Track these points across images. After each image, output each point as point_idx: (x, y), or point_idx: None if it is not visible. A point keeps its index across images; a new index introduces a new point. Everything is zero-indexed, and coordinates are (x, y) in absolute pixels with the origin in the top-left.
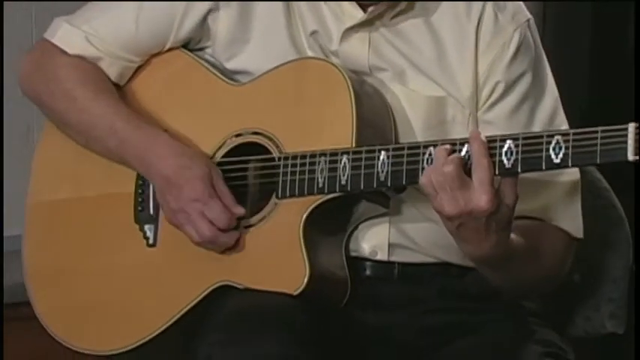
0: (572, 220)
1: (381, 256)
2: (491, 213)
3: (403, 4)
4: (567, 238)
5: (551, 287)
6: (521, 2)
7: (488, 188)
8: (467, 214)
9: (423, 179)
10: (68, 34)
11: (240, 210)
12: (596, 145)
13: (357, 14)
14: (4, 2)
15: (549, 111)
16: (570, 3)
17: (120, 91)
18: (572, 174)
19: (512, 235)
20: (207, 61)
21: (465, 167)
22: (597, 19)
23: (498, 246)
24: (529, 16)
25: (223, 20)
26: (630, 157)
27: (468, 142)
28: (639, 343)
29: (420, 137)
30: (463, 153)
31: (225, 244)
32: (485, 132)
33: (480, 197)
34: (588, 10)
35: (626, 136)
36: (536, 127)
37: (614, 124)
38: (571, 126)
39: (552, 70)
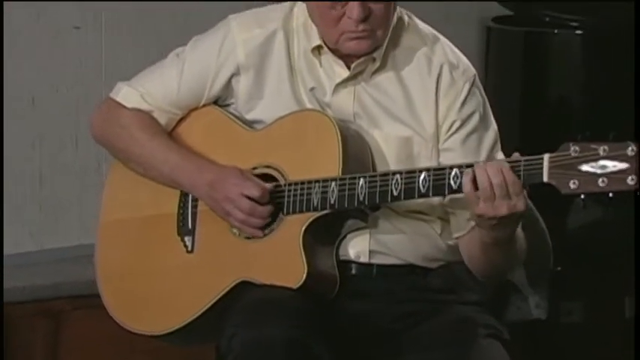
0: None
1: (364, 259)
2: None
3: (378, 62)
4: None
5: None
6: (468, 62)
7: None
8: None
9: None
10: (128, 94)
11: (269, 185)
12: (520, 171)
13: (343, 73)
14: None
15: (492, 140)
16: (505, 61)
17: (168, 136)
18: None
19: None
20: (231, 113)
21: None
22: (527, 74)
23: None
24: (474, 72)
25: (243, 82)
26: (545, 179)
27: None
28: (639, 340)
29: (393, 168)
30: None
31: (263, 214)
32: (446, 157)
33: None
34: (519, 68)
35: (541, 163)
36: (484, 152)
37: (540, 151)
38: (505, 152)
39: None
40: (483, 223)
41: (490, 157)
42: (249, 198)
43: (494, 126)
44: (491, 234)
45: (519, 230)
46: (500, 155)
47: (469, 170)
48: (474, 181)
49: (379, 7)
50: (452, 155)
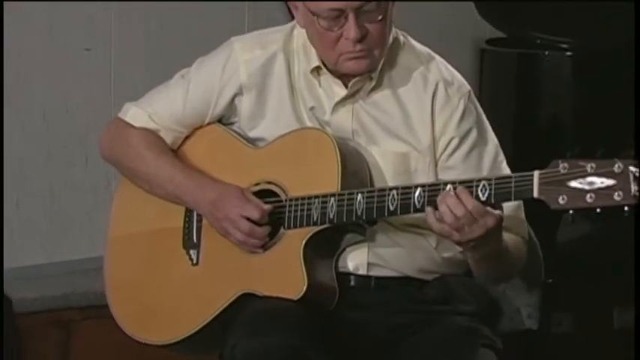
0: (522, 228)
1: (362, 271)
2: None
3: (374, 81)
4: (522, 239)
5: (517, 271)
6: (463, 79)
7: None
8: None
9: (447, 224)
10: (136, 114)
11: (268, 207)
12: (510, 187)
13: (342, 92)
14: None
15: (493, 153)
16: (499, 81)
17: (174, 153)
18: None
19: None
20: (235, 131)
21: None
22: (519, 94)
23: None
24: (469, 88)
25: (246, 102)
26: (535, 195)
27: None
28: (639, 343)
29: (391, 183)
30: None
31: (261, 235)
32: (448, 175)
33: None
34: (512, 88)
35: (532, 180)
36: (485, 166)
37: (532, 168)
38: None
39: None
40: (463, 247)
41: (493, 170)
42: (248, 219)
43: (493, 139)
44: (476, 253)
45: (511, 236)
46: (504, 166)
47: (429, 209)
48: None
49: (375, 27)
50: (454, 173)
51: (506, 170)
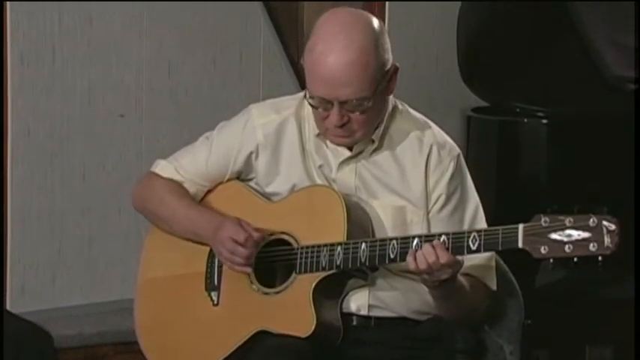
0: (490, 278)
1: (363, 312)
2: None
3: (376, 143)
4: (486, 288)
5: (477, 318)
6: (453, 143)
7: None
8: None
9: (419, 268)
10: (164, 167)
11: (257, 234)
12: (498, 237)
13: (346, 153)
14: None
15: (472, 212)
16: (483, 145)
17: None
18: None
19: (458, 282)
20: (252, 187)
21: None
22: (501, 156)
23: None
24: (459, 151)
25: (261, 160)
26: (520, 245)
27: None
28: (639, 347)
29: (390, 233)
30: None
31: (241, 255)
32: (437, 227)
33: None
34: (495, 151)
35: (517, 232)
36: (466, 221)
37: (513, 221)
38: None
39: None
40: (427, 283)
41: (472, 224)
42: (235, 242)
43: (475, 197)
44: (435, 291)
45: (475, 282)
46: (482, 220)
47: (411, 252)
48: (415, 259)
49: (357, 117)
50: (441, 225)
51: (483, 224)
